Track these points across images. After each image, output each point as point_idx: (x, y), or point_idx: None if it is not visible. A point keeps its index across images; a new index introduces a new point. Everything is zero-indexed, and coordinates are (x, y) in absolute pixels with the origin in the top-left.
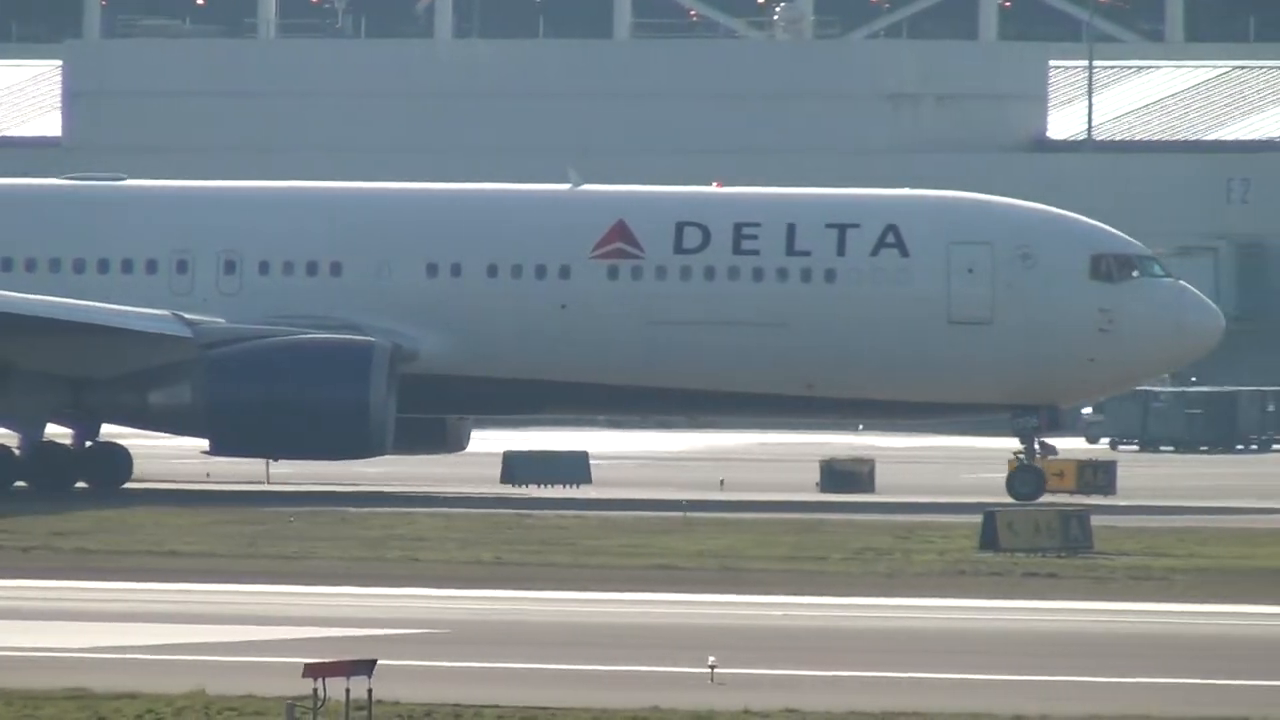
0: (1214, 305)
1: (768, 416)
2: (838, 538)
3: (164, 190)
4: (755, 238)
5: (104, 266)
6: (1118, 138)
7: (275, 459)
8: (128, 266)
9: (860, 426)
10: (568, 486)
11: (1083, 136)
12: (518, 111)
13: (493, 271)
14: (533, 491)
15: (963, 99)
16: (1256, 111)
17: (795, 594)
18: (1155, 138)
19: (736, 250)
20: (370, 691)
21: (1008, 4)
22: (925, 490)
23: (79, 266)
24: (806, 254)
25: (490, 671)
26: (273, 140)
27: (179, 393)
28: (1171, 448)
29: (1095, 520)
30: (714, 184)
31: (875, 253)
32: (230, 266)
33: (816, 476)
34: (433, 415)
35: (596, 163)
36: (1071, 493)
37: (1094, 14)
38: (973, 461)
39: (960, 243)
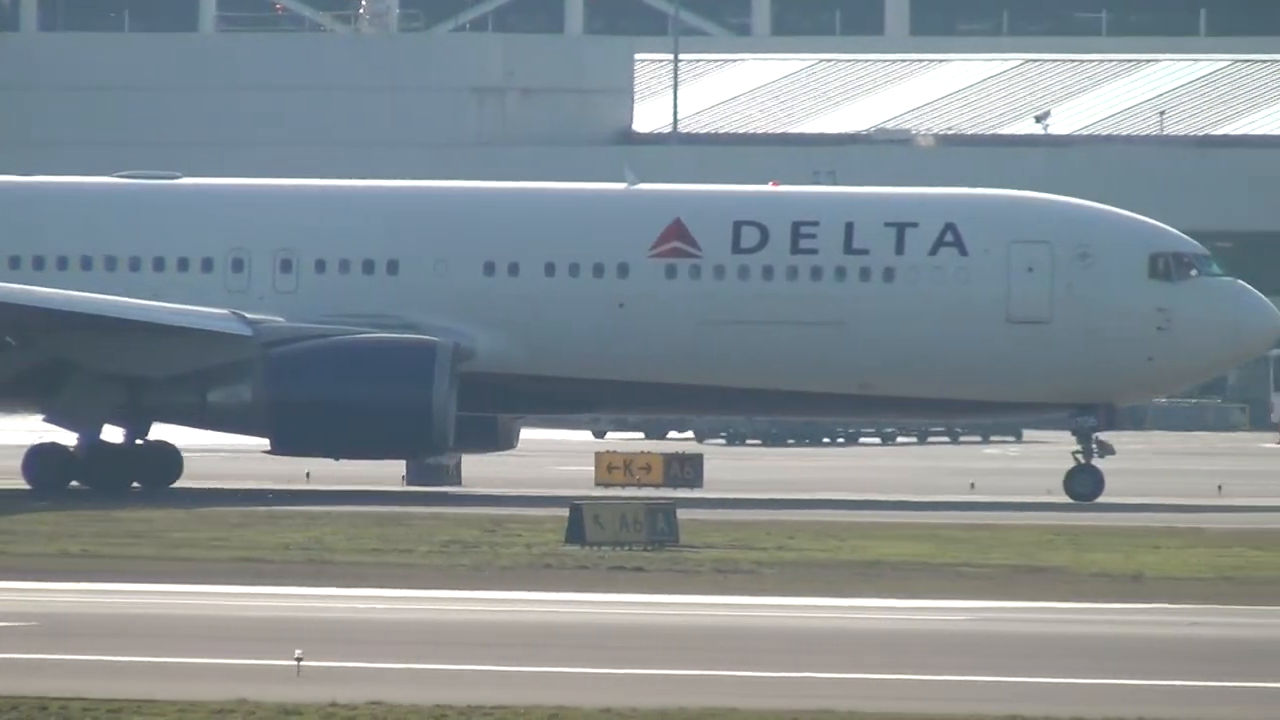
0: (1271, 305)
1: (824, 415)
2: (424, 530)
3: (220, 188)
4: (813, 236)
5: (159, 265)
6: (704, 130)
7: (337, 458)
8: (183, 265)
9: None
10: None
11: (669, 129)
12: (104, 104)
13: (550, 270)
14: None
15: (549, 92)
16: (842, 104)
17: (382, 587)
18: (742, 130)
19: (794, 249)
20: None
21: None
22: (514, 484)
23: (134, 265)
24: (865, 253)
25: (78, 664)
26: None
27: (239, 392)
28: (759, 441)
29: (682, 514)
30: (771, 184)
31: (934, 252)
32: (286, 265)
33: (403, 470)
34: (487, 414)
35: (176, 154)
36: (658, 486)
37: (680, 8)
38: (562, 455)
39: (1019, 242)
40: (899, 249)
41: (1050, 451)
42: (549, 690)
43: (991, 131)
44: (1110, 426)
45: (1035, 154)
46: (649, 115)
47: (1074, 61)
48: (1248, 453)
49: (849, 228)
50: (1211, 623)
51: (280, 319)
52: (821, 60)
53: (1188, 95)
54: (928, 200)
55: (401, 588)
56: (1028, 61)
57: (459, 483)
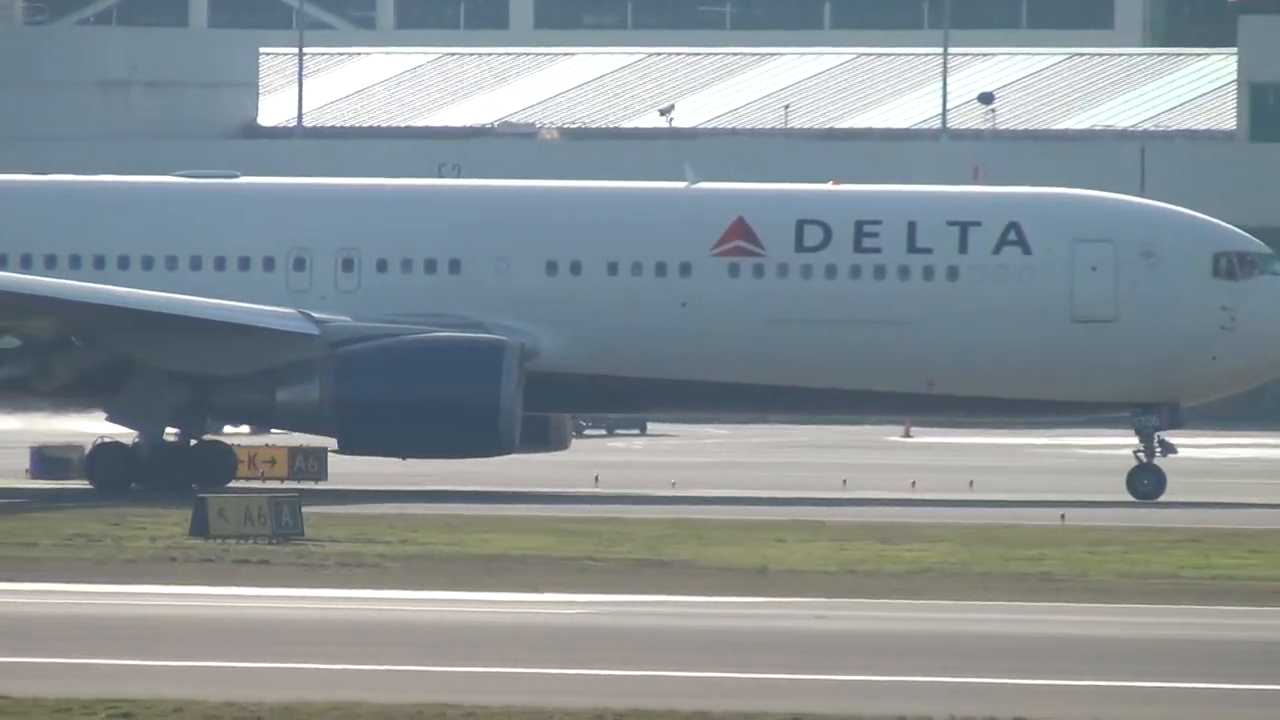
0: None
1: (888, 415)
2: (49, 524)
3: (281, 187)
4: (876, 235)
5: (220, 264)
6: (330, 124)
7: (404, 458)
8: (245, 264)
9: None
10: None
11: (294, 123)
12: None
13: (613, 269)
14: None
15: (174, 86)
16: (468, 98)
17: (4, 581)
18: (367, 123)
19: (858, 248)
20: None
21: None
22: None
23: (195, 264)
24: (928, 251)
25: None
26: None
27: (306, 391)
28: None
29: (307, 508)
30: (831, 182)
31: (997, 251)
32: (348, 264)
33: (27, 463)
34: (548, 413)
35: None
36: (283, 479)
37: (304, 2)
38: None
39: (1084, 241)
40: (962, 248)
41: (674, 445)
42: (170, 684)
43: (616, 125)
44: (1173, 426)
45: (660, 147)
46: (275, 109)
47: (699, 55)
48: (874, 445)
49: (912, 227)
50: (838, 615)
51: (346, 318)
52: (446, 54)
53: (813, 88)
54: (991, 199)
55: (25, 581)
56: (652, 55)
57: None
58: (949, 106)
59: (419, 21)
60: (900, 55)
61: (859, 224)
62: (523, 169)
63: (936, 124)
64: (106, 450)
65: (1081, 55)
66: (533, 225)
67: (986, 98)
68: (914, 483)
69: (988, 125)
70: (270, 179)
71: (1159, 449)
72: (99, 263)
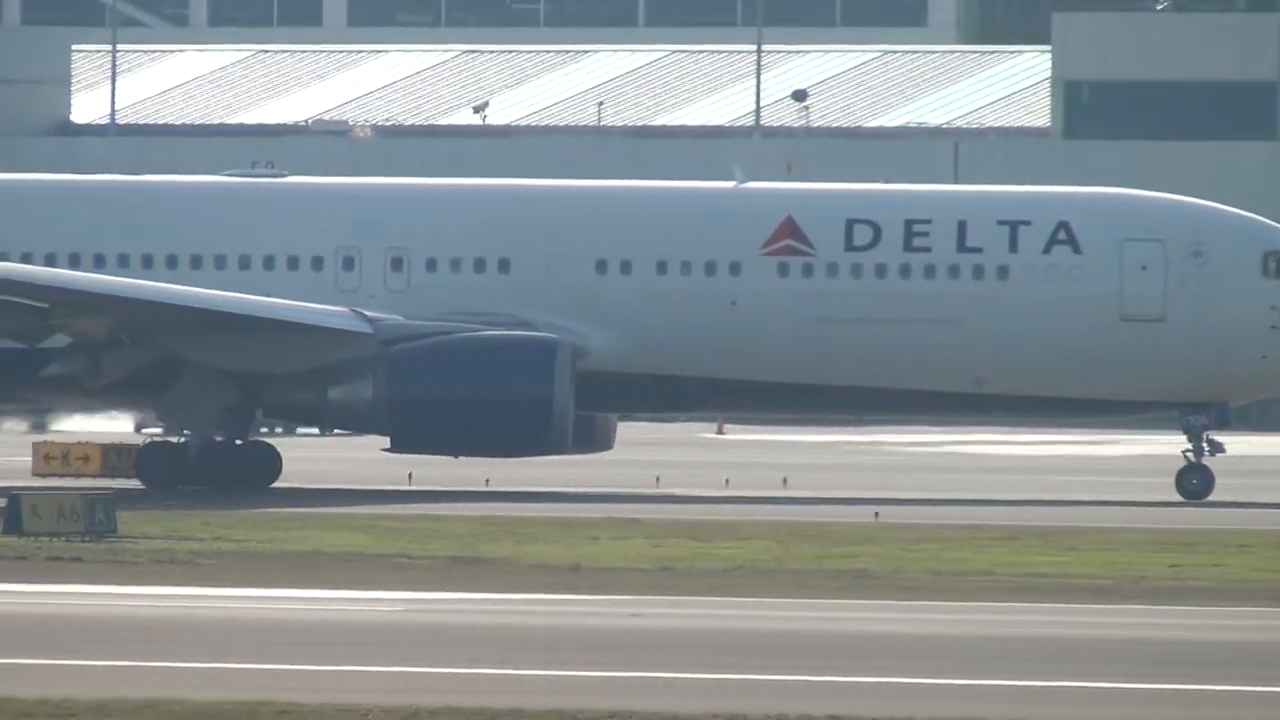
0: None
1: (937, 414)
2: None
3: (329, 186)
4: (926, 234)
5: (269, 263)
6: (143, 121)
7: (456, 456)
8: (293, 263)
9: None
10: None
11: (107, 120)
12: None
13: (662, 268)
14: None
15: None
16: (282, 95)
17: None
18: (180, 121)
19: (908, 247)
20: None
21: None
22: None
23: (244, 263)
24: (978, 251)
25: None
26: None
27: (359, 389)
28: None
29: (122, 505)
30: (882, 180)
31: (1047, 250)
32: (397, 263)
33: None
34: (597, 413)
35: None
36: (96, 476)
37: None
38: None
39: (1133, 240)
40: (1012, 247)
41: None
42: None
43: (430, 122)
44: (1222, 426)
45: (475, 145)
46: (88, 106)
47: (512, 52)
48: (688, 443)
49: (962, 226)
50: (652, 614)
51: (398, 317)
52: (260, 51)
53: (626, 86)
54: (1040, 199)
55: None
56: (466, 53)
57: None
58: (763, 104)
59: (231, 19)
60: (714, 52)
61: (909, 223)
62: (336, 167)
63: (750, 121)
64: (156, 450)
65: (895, 53)
66: (582, 224)
67: (800, 95)
68: (728, 480)
69: (801, 123)
70: (319, 178)
71: (1207, 448)
72: (147, 261)
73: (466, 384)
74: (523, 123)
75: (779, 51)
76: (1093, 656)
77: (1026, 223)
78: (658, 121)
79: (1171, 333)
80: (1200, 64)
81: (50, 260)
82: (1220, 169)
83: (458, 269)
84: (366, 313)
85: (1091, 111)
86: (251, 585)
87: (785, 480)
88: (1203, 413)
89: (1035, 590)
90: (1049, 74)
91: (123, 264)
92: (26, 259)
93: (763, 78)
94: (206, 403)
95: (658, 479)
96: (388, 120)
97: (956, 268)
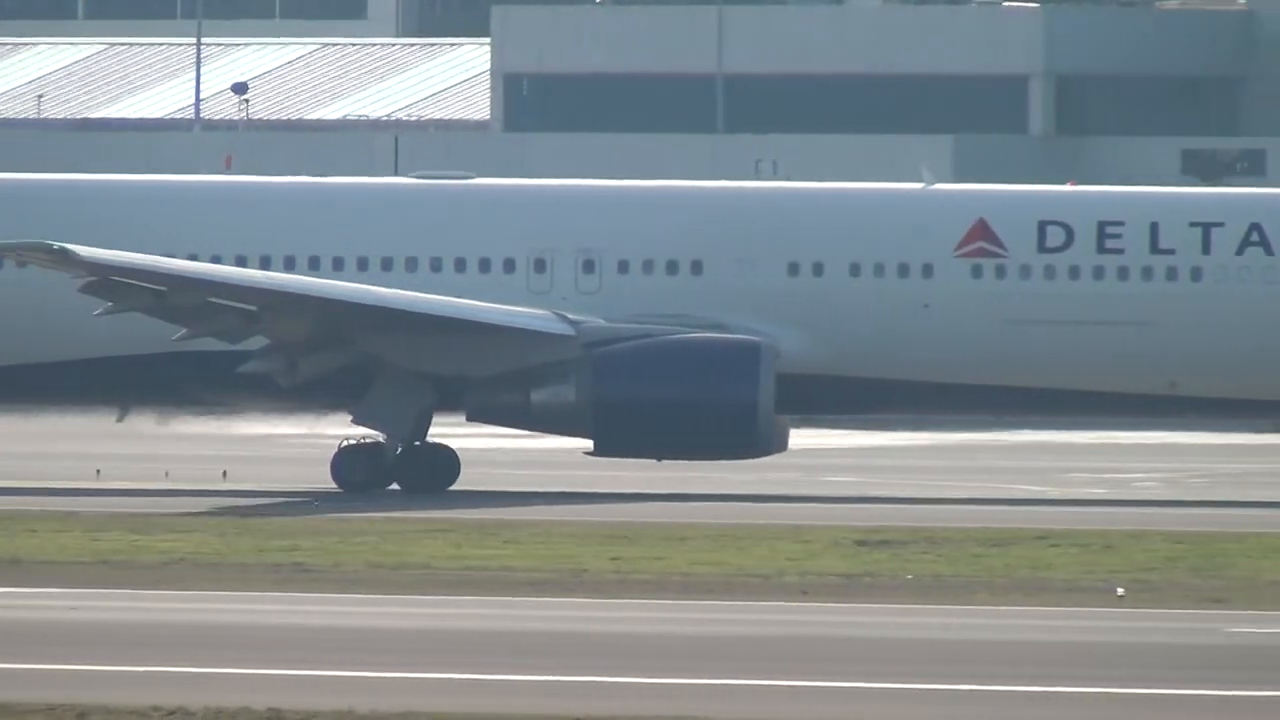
0: None
1: (1130, 416)
2: None
3: (519, 189)
4: (1119, 236)
5: (461, 265)
6: None
7: (660, 459)
8: (485, 266)
9: None
10: None
11: None
12: None
13: (855, 270)
14: None
15: None
16: None
17: None
18: None
19: (1100, 249)
20: None
21: None
22: None
23: (435, 265)
24: (1171, 252)
25: None
26: None
27: (562, 392)
28: None
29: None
30: (1069, 183)
31: (1240, 252)
32: (589, 266)
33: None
34: (785, 414)
35: None
36: None
37: None
38: None
39: None
40: (1205, 249)
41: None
42: None
43: None
44: None
45: None
46: None
47: None
48: (128, 435)
49: (1154, 227)
50: (90, 606)
51: (599, 319)
52: None
53: (66, 78)
54: (1232, 200)
55: None
56: None
57: None
58: (203, 97)
59: None
60: (154, 45)
61: (1101, 224)
62: None
63: (190, 114)
64: (353, 453)
65: (334, 45)
66: (775, 226)
67: (240, 88)
68: (168, 473)
69: (242, 115)
70: (509, 180)
71: None
72: (338, 264)
73: (672, 386)
74: None
75: (219, 44)
76: (507, 649)
77: (1219, 224)
78: (97, 114)
79: None
80: (641, 57)
81: (241, 263)
82: (665, 160)
83: (650, 271)
84: (568, 315)
85: (532, 103)
86: None
87: (225, 473)
88: None
89: (473, 584)
90: (489, 67)
91: (313, 266)
92: (215, 262)
93: (203, 71)
94: (405, 405)
95: (98, 471)
96: None
97: (1150, 269)
